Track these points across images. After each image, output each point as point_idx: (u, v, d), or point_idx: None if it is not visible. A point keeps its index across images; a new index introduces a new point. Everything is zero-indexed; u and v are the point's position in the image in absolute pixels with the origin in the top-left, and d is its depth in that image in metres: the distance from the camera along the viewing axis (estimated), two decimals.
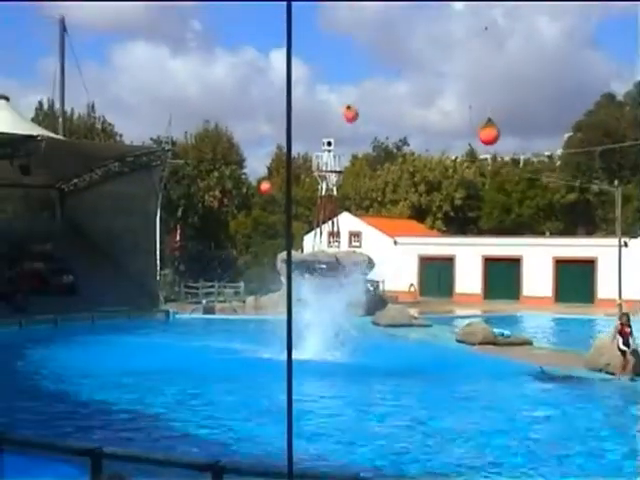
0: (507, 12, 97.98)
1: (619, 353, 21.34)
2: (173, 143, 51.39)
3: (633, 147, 50.47)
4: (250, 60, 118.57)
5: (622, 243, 34.10)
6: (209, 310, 40.70)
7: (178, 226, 58.25)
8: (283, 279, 42.78)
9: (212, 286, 47.41)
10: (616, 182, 33.55)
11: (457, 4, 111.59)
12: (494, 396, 18.83)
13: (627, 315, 22.23)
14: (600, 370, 21.77)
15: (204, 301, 42.89)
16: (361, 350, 23.32)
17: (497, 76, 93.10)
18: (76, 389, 19.00)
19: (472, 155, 78.35)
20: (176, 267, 57.14)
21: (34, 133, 35.58)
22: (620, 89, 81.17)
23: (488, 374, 21.91)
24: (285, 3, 2.91)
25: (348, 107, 36.09)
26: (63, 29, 44.36)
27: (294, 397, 4.06)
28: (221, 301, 43.73)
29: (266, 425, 14.48)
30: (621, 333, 21.53)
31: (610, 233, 48.67)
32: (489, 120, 27.13)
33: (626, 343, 21.38)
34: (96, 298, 35.54)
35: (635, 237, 48.46)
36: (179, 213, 59.90)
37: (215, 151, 67.81)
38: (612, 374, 21.31)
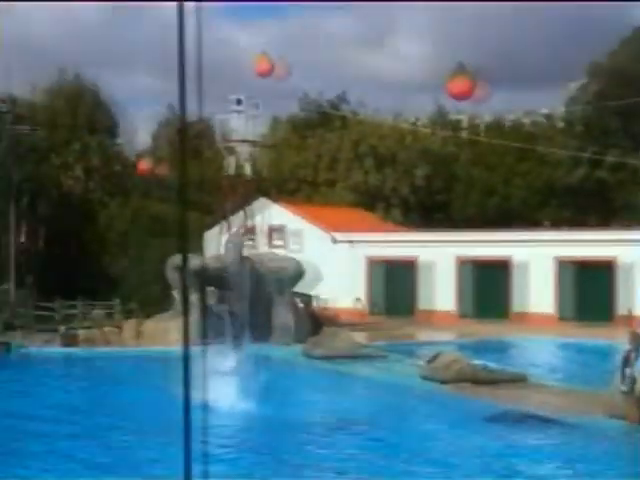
0: None
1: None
2: (14, 102, 50.28)
3: None
4: None
5: None
6: (70, 340, 40.95)
7: (23, 221, 57.16)
8: (176, 294, 42.18)
9: (74, 305, 46.91)
10: None
11: None
12: None
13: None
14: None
15: (63, 328, 42.58)
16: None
17: (473, 7, 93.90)
18: None
19: (440, 116, 78.62)
20: (21, 279, 56.00)
21: None
22: None
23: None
24: None
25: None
26: None
27: None
28: (87, 327, 43.60)
29: None
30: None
31: (635, 223, 49.47)
32: (460, 65, 27.45)
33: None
34: None
35: None
36: (24, 202, 58.81)
37: (75, 113, 67.01)
38: None
